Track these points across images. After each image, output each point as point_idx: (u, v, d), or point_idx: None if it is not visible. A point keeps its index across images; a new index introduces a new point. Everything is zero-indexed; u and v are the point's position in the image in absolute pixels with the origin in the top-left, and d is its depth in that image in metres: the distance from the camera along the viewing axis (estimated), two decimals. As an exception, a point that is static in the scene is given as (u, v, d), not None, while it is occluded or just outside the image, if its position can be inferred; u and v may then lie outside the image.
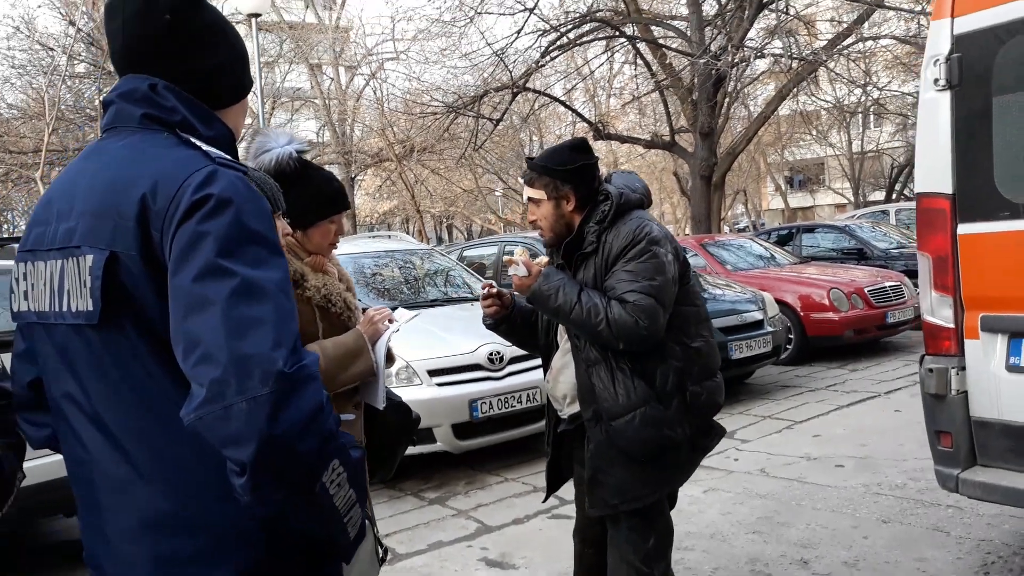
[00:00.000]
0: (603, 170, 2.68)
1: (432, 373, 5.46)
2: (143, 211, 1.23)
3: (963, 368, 3.16)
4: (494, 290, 2.73)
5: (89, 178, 1.33)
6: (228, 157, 1.32)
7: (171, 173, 1.25)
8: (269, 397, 1.13)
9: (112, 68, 1.50)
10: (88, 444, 1.34)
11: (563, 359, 2.66)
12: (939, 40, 3.14)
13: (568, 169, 2.51)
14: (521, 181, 2.67)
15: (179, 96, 1.37)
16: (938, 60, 3.12)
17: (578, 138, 2.72)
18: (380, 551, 2.21)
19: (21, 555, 4.73)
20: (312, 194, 2.28)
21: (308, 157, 2.32)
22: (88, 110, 18.63)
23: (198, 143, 1.31)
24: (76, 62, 17.80)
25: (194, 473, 1.28)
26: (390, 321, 2.31)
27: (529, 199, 2.59)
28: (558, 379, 2.68)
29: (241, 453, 1.14)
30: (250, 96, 1.68)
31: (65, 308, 1.31)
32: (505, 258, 2.83)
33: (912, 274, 6.68)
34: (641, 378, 2.43)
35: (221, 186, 1.23)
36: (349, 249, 7.50)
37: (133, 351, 1.28)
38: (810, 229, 13.42)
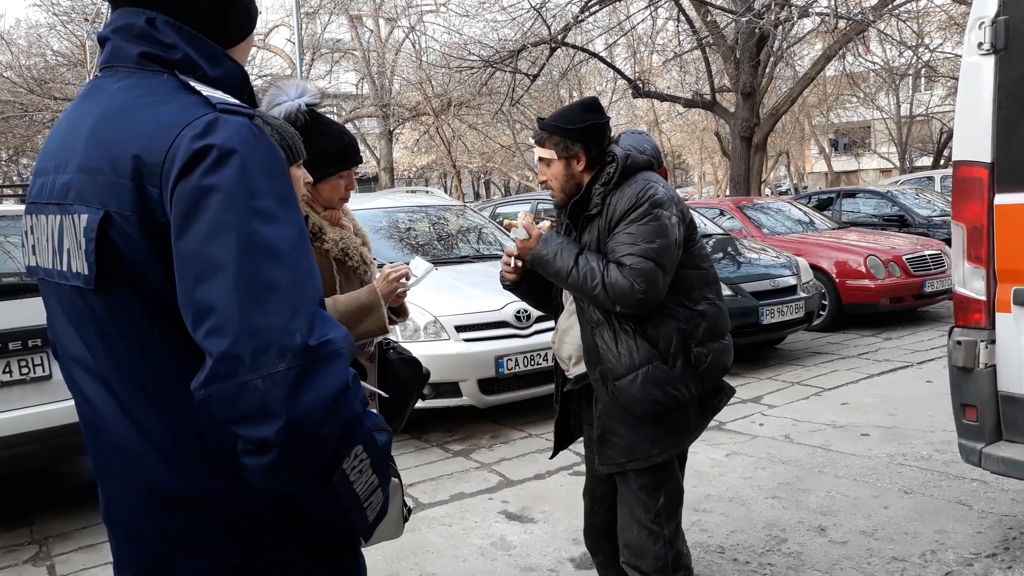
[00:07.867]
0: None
1: (460, 328, 5.51)
2: (137, 167, 1.12)
3: (993, 341, 3.11)
4: (517, 262, 2.74)
5: (85, 126, 1.21)
6: (234, 101, 1.17)
7: (166, 123, 1.12)
8: (287, 374, 1.03)
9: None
10: (98, 408, 1.26)
11: (568, 320, 2.67)
12: (986, 1, 3.03)
13: (578, 128, 2.48)
14: (532, 141, 2.65)
15: (180, 32, 1.22)
16: (983, 23, 3.02)
17: (589, 97, 2.68)
18: (405, 510, 2.23)
19: (56, 492, 4.90)
20: (322, 149, 2.25)
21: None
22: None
23: (199, 87, 1.18)
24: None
25: (205, 447, 1.20)
26: (407, 278, 2.33)
27: (540, 159, 2.58)
28: (563, 340, 2.69)
29: (257, 431, 1.04)
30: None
31: (66, 268, 1.21)
32: (506, 222, 2.83)
33: (952, 243, 6.53)
34: (644, 339, 2.43)
35: (224, 135, 1.10)
36: (384, 203, 7.53)
37: (136, 318, 1.18)
38: (851, 194, 13.16)
